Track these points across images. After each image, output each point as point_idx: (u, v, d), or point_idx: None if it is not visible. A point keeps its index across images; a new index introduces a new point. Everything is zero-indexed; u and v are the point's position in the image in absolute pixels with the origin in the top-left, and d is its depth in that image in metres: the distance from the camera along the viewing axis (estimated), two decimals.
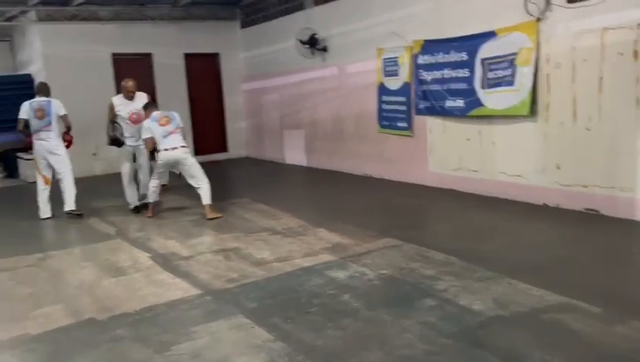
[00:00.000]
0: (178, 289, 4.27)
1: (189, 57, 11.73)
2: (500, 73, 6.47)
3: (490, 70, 6.60)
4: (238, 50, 12.15)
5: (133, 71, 11.20)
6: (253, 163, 11.77)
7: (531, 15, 5.98)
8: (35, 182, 9.44)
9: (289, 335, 3.35)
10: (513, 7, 6.15)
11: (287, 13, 10.50)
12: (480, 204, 6.56)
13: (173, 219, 6.69)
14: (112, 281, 4.57)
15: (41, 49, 10.44)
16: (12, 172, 11.33)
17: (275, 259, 4.88)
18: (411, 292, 3.92)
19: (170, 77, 11.50)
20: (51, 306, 4.08)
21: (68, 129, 7.31)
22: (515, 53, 6.24)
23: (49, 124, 7.12)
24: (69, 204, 7.14)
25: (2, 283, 4.70)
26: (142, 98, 7.14)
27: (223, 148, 12.35)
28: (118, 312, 3.87)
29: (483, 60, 6.66)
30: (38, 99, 7.22)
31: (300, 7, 10.02)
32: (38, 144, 7.21)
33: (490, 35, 6.52)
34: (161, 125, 6.63)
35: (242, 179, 10.19)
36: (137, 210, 7.16)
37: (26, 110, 7.16)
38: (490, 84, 6.59)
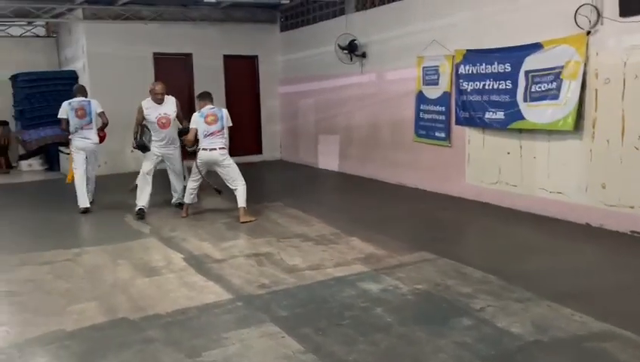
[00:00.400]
0: (210, 292, 4.28)
1: (228, 59, 11.83)
2: (545, 86, 6.29)
3: (535, 83, 6.42)
4: (276, 53, 12.19)
5: (173, 70, 11.42)
6: (286, 166, 11.78)
7: (581, 28, 5.79)
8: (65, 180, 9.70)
9: (320, 348, 3.30)
10: (562, 19, 5.97)
11: (327, 18, 10.49)
12: (518, 220, 6.38)
13: (207, 221, 6.72)
14: (145, 281, 4.60)
15: (85, 46, 10.69)
16: (53, 165, 11.63)
17: (307, 266, 4.85)
18: (447, 310, 3.82)
19: (209, 77, 11.59)
20: (86, 303, 4.13)
21: (104, 125, 7.65)
22: (561, 67, 6.06)
23: (90, 122, 7.50)
24: (82, 201, 7.42)
25: (42, 276, 4.79)
26: (171, 102, 7.07)
27: (258, 150, 12.40)
28: (151, 313, 3.89)
29: (527, 72, 6.49)
30: (78, 99, 7.57)
31: (341, 13, 9.99)
32: (80, 141, 7.52)
33: (536, 46, 6.34)
34: (207, 123, 6.62)
35: (276, 183, 10.21)
36: (141, 215, 6.87)
37: (65, 110, 7.51)
38: (534, 97, 6.41)
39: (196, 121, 6.65)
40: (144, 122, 6.99)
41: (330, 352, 3.25)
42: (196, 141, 6.63)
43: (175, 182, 7.35)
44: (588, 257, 5.04)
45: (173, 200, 7.45)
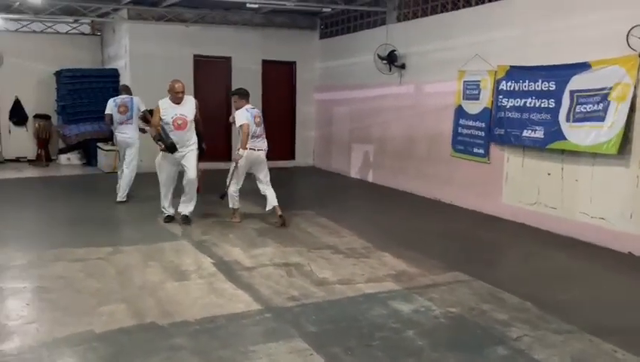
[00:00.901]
0: (239, 301, 4.24)
1: (267, 63, 11.88)
2: (590, 107, 6.08)
3: (579, 103, 6.21)
4: (314, 59, 12.18)
5: (213, 73, 11.53)
6: (318, 173, 11.73)
7: (633, 50, 5.58)
8: (110, 173, 9.91)
9: None
10: (613, 40, 5.76)
11: (367, 27, 10.42)
12: (557, 244, 6.16)
13: (238, 226, 6.71)
14: (175, 285, 4.60)
15: (128, 45, 10.88)
16: (90, 160, 11.86)
17: (337, 280, 4.76)
18: (481, 337, 3.68)
19: (247, 81, 11.52)
20: (116, 304, 4.14)
21: (147, 122, 7.89)
22: (609, 88, 5.85)
23: (130, 118, 7.94)
24: (121, 195, 7.89)
25: (74, 274, 4.83)
26: (190, 103, 6.69)
27: (291, 155, 12.40)
28: (179, 319, 3.87)
29: (572, 92, 6.29)
30: (122, 97, 8.05)
31: (382, 23, 9.91)
32: (119, 135, 8.03)
33: (584, 66, 6.14)
34: (255, 123, 6.59)
35: (307, 190, 10.17)
36: (170, 219, 6.79)
37: (111, 106, 7.98)
38: (578, 117, 6.20)
39: (248, 119, 6.53)
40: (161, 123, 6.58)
41: None
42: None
43: (188, 188, 6.78)
44: (631, 289, 4.81)
45: (180, 210, 6.86)
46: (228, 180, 6.85)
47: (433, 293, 4.46)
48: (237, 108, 6.73)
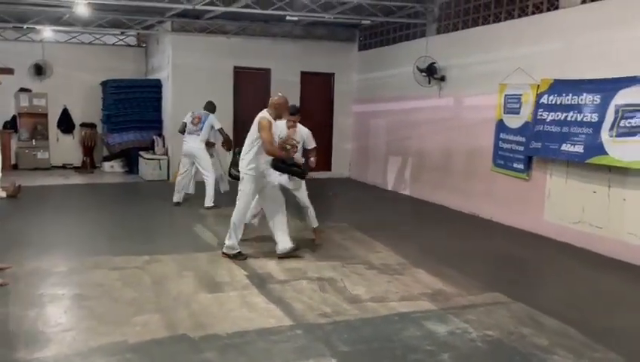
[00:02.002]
0: (271, 316, 4.21)
1: (305, 75, 11.92)
2: (636, 122, 5.83)
3: (624, 118, 5.97)
4: (352, 71, 12.16)
5: (252, 84, 11.65)
6: (354, 185, 11.66)
7: None
8: (151, 181, 10.16)
9: None
10: None
11: (406, 39, 10.35)
12: (603, 266, 5.91)
13: (272, 237, 6.69)
14: (208, 297, 4.61)
15: (171, 57, 11.12)
16: (132, 168, 12.15)
17: (371, 298, 4.68)
18: None
19: (286, 93, 11.39)
20: (150, 314, 4.19)
21: (225, 140, 8.64)
22: None
23: (199, 130, 8.32)
24: (207, 201, 8.23)
25: (112, 282, 4.92)
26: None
27: (328, 167, 12.37)
28: (211, 332, 3.87)
29: (618, 106, 6.04)
30: (200, 111, 8.52)
31: (421, 35, 9.81)
32: (184, 143, 8.44)
33: (632, 80, 5.89)
34: None
35: (343, 202, 10.10)
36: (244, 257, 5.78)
37: (187, 116, 8.52)
38: (622, 132, 5.95)
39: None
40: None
41: None
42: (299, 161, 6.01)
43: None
44: None
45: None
46: (307, 200, 6.35)
47: (470, 315, 4.32)
48: (290, 128, 6.18)
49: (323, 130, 12.26)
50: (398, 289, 4.91)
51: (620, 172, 6.07)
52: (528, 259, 6.25)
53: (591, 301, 4.84)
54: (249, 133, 5.73)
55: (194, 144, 8.29)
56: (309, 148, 6.43)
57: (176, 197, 8.47)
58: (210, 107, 8.57)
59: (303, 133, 6.37)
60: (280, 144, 5.71)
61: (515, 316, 4.32)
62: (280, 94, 5.87)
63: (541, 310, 4.41)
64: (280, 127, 6.01)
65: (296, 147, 6.02)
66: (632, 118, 5.89)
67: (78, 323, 4.07)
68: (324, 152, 12.33)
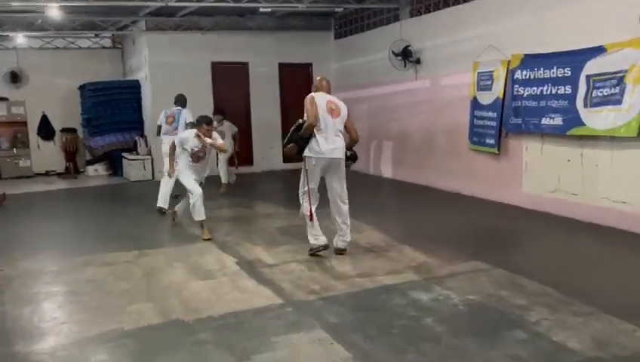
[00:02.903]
0: (262, 296, 4.35)
1: (283, 66, 12.02)
2: (607, 91, 6.03)
3: (596, 88, 6.17)
4: (330, 60, 12.27)
5: (230, 78, 11.72)
6: None
7: None
8: (136, 181, 10.17)
9: (368, 356, 3.29)
10: (625, 22, 5.71)
11: (381, 24, 10.48)
12: (579, 230, 6.13)
13: (261, 226, 6.84)
14: (199, 284, 4.73)
15: (148, 56, 11.15)
16: (116, 170, 12.17)
17: (357, 274, 4.84)
18: (499, 322, 3.71)
19: (265, 85, 11.85)
20: (143, 303, 4.30)
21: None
22: (625, 70, 5.80)
23: (176, 128, 7.98)
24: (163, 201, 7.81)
25: (103, 277, 5.02)
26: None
27: None
28: (204, 315, 4.00)
29: (588, 77, 6.24)
30: (173, 108, 8.21)
31: (395, 19, 9.95)
32: (163, 146, 8.08)
33: (598, 50, 6.10)
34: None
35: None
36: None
37: (161, 117, 8.26)
38: (595, 102, 6.16)
39: None
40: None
41: (378, 360, 3.23)
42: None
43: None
44: None
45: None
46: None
47: (452, 283, 4.50)
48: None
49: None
50: (384, 265, 5.07)
51: (590, 139, 6.28)
52: (508, 230, 6.46)
53: (568, 263, 5.04)
54: (341, 118, 5.33)
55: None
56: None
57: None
58: (182, 100, 8.24)
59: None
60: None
61: (496, 281, 4.50)
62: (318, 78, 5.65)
63: (520, 274, 4.60)
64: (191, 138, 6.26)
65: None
66: (603, 87, 6.09)
67: (73, 316, 4.17)
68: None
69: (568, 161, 6.62)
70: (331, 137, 5.24)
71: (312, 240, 5.38)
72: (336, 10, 10.87)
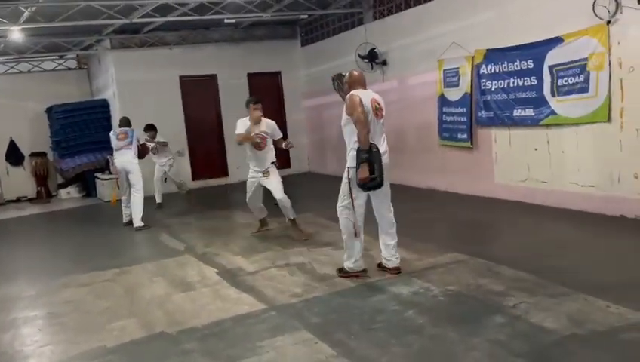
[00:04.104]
0: (244, 304, 4.36)
1: (252, 76, 12.05)
2: (572, 80, 6.21)
3: (560, 77, 6.35)
4: (298, 67, 12.36)
5: (200, 92, 11.70)
6: (315, 178, 11.86)
7: (600, 18, 5.72)
8: (109, 201, 10.04)
9: (353, 352, 3.33)
10: (580, 12, 5.91)
11: (346, 29, 10.60)
12: (550, 216, 6.28)
13: (239, 235, 6.84)
14: (181, 296, 4.72)
15: (114, 75, 11.06)
16: (90, 191, 12.00)
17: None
18: (479, 309, 3.80)
19: (235, 96, 11.76)
20: (126, 319, 4.27)
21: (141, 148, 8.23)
22: (585, 59, 5.99)
23: (129, 143, 7.95)
24: (136, 221, 7.79)
25: (82, 297, 4.97)
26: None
27: (286, 164, 12.51)
28: (188, 326, 3.99)
29: (551, 67, 6.43)
30: (121, 129, 8.15)
31: (359, 23, 10.09)
32: (117, 162, 8.01)
33: (556, 40, 6.29)
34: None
35: (305, 195, 10.27)
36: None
37: (112, 139, 8.15)
38: (562, 91, 6.33)
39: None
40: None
41: (362, 356, 3.28)
42: None
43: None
44: (624, 249, 4.92)
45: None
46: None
47: (432, 275, 4.58)
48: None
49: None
50: (364, 263, 5.11)
51: (556, 127, 6.46)
52: (483, 220, 6.59)
53: (541, 247, 5.16)
54: (384, 118, 4.69)
55: (127, 158, 7.86)
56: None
57: (126, 217, 8.11)
58: (127, 122, 8.13)
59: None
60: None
61: (474, 270, 4.60)
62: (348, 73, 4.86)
63: (497, 261, 4.70)
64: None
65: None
66: (566, 76, 6.27)
67: (54, 337, 4.12)
68: (281, 150, 12.50)
69: (536, 149, 6.80)
70: (379, 141, 4.54)
71: (348, 264, 4.65)
72: (301, 17, 10.97)
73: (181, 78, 11.45)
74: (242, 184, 11.47)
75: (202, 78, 11.69)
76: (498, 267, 4.59)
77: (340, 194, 4.74)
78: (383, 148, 4.59)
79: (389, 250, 4.73)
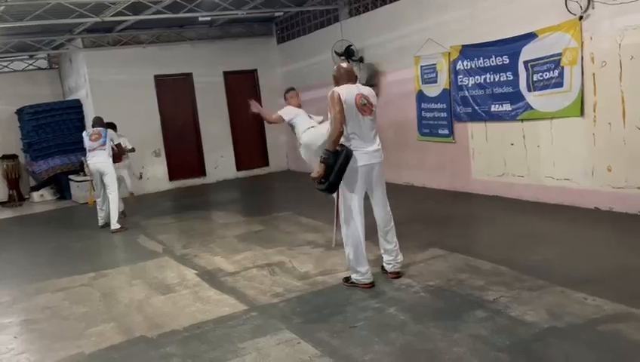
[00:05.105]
0: (225, 305, 4.31)
1: (228, 75, 11.95)
2: (547, 75, 6.30)
3: (535, 72, 6.43)
4: (275, 65, 12.29)
5: (175, 91, 11.55)
6: (294, 176, 11.82)
7: (573, 14, 5.81)
8: (85, 203, 9.86)
9: (335, 351, 3.33)
10: (553, 7, 5.99)
11: (322, 26, 10.58)
12: (527, 210, 6.37)
13: (218, 236, 6.78)
14: (160, 299, 4.65)
15: (87, 74, 10.85)
16: (64, 194, 11.76)
17: (319, 272, 4.87)
18: (460, 304, 3.82)
19: (211, 95, 11.74)
20: (104, 325, 4.19)
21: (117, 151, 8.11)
22: (559, 54, 6.07)
23: (103, 144, 7.79)
24: (113, 224, 7.64)
25: (59, 303, 4.85)
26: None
27: (265, 162, 12.47)
28: (168, 329, 3.93)
29: (526, 63, 6.50)
30: (94, 129, 7.98)
31: (335, 20, 10.07)
32: (91, 163, 7.87)
33: (530, 36, 6.37)
34: None
35: (284, 193, 10.25)
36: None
37: (84, 139, 7.99)
38: (538, 86, 6.41)
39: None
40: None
41: (345, 354, 3.27)
42: None
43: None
44: (599, 241, 5.02)
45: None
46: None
47: (412, 271, 4.60)
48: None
49: (254, 127, 12.36)
50: (344, 261, 5.07)
51: (531, 121, 6.55)
52: (461, 215, 6.64)
53: (519, 241, 5.23)
54: (374, 114, 4.46)
55: (100, 159, 7.69)
56: None
57: (101, 220, 8.00)
58: (100, 122, 8.01)
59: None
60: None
61: (453, 265, 4.63)
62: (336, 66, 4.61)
63: (476, 256, 4.75)
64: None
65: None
66: (541, 71, 6.35)
67: (30, 345, 4.03)
68: (259, 149, 12.47)
69: (512, 144, 6.88)
70: (368, 138, 4.34)
71: (354, 276, 4.34)
72: (276, 15, 10.91)
73: (156, 77, 11.29)
74: (220, 183, 11.50)
75: (178, 77, 11.55)
76: (477, 262, 4.63)
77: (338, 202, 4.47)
78: (373, 146, 4.38)
79: (388, 254, 4.54)
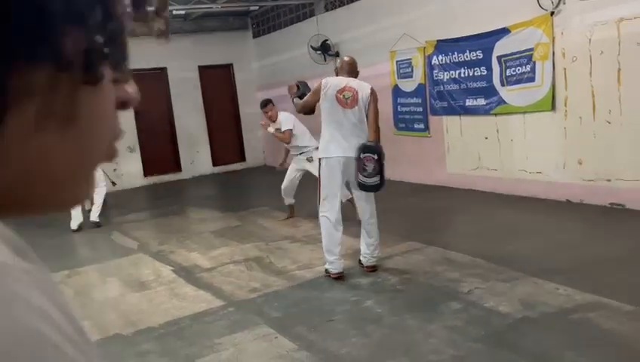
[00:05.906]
0: (201, 301, 4.29)
1: (203, 69, 11.84)
2: (519, 70, 6.39)
3: (508, 67, 6.52)
4: (250, 59, 12.22)
5: (149, 86, 11.39)
6: (270, 171, 11.75)
7: (544, 9, 5.90)
8: None
9: (313, 345, 3.34)
10: (526, 3, 6.08)
11: (298, 20, 10.54)
12: (501, 203, 6.47)
13: (194, 232, 6.73)
14: (136, 296, 4.60)
15: None
16: None
17: (297, 267, 4.88)
18: (436, 296, 3.87)
19: (186, 89, 11.62)
20: None
21: None
22: (531, 49, 6.17)
23: None
24: (93, 215, 7.46)
25: None
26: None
27: (241, 157, 12.41)
28: (143, 327, 3.89)
29: (499, 57, 6.59)
30: None
31: (311, 14, 10.05)
32: None
33: (503, 31, 6.45)
34: None
35: (260, 188, 10.22)
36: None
37: None
38: (511, 81, 6.51)
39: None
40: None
41: (323, 348, 3.29)
42: None
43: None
44: (570, 233, 5.12)
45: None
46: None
47: (389, 264, 4.64)
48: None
49: (231, 122, 12.30)
50: (322, 255, 5.11)
51: (504, 115, 6.64)
52: (437, 209, 6.71)
53: (494, 234, 5.31)
54: (358, 108, 4.55)
55: None
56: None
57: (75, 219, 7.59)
58: None
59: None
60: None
61: (429, 258, 4.69)
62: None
63: (452, 249, 4.81)
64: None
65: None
66: (514, 66, 6.44)
67: None
68: (235, 144, 12.39)
69: (486, 138, 6.97)
70: (346, 134, 4.41)
71: (326, 265, 4.45)
72: (252, 8, 10.84)
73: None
74: (196, 179, 11.40)
75: (151, 72, 11.38)
76: (453, 254, 4.70)
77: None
78: (353, 140, 4.37)
79: (366, 247, 4.53)
